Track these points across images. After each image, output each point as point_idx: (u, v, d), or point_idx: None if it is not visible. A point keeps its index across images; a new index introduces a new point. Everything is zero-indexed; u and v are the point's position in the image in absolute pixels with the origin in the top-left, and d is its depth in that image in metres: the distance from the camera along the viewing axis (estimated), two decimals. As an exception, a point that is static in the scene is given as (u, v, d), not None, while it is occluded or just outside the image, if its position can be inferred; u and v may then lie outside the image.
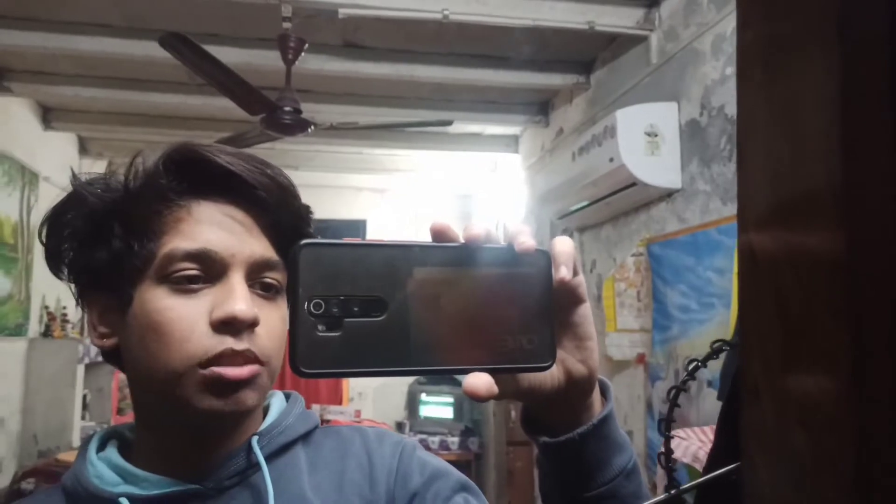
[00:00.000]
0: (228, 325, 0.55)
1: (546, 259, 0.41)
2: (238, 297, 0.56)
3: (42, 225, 0.63)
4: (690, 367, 0.48)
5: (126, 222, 0.59)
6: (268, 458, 0.61)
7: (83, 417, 4.00)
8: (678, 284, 2.39)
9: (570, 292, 0.43)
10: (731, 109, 2.18)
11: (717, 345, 0.49)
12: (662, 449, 0.46)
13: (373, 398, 5.27)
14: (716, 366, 2.12)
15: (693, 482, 0.39)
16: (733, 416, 0.39)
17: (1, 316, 3.44)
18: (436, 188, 5.35)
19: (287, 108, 2.42)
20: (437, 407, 4.88)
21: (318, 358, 0.35)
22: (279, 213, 0.61)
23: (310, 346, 0.35)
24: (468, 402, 4.88)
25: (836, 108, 0.23)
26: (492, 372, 0.38)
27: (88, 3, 2.63)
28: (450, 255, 0.39)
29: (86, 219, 0.60)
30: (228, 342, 0.55)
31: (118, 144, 4.47)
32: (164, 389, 0.56)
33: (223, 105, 3.26)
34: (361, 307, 0.36)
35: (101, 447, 0.63)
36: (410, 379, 5.08)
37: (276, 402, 0.68)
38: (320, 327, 0.35)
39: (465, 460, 4.59)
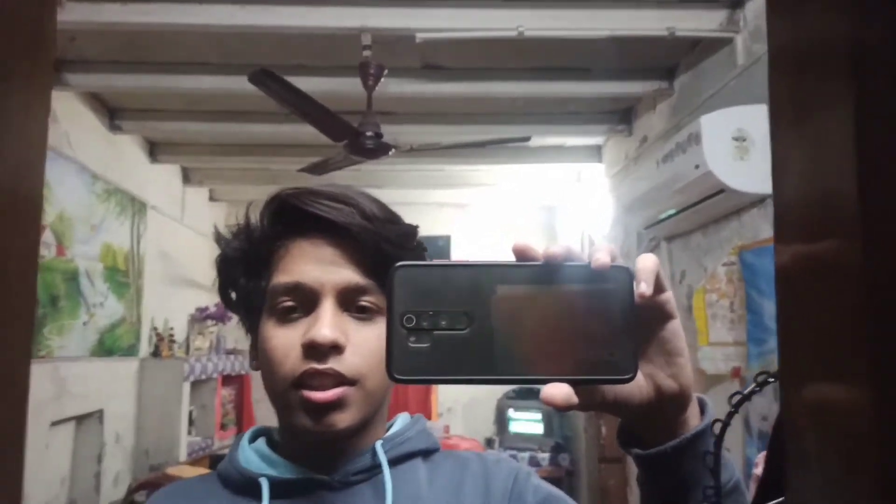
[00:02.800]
0: (312, 349, 0.63)
1: (627, 275, 0.42)
2: (322, 324, 0.63)
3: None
4: (738, 398, 0.48)
5: (247, 266, 0.71)
6: (390, 463, 0.68)
7: (189, 433, 4.23)
8: (774, 294, 2.28)
9: (657, 308, 0.44)
10: (826, 109, 2.07)
11: (761, 378, 0.48)
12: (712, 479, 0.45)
13: (462, 413, 5.29)
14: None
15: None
16: (779, 448, 0.38)
17: (116, 338, 3.71)
18: (519, 201, 5.34)
19: (369, 133, 2.50)
20: (527, 423, 4.84)
21: (410, 366, 0.40)
22: (370, 242, 0.67)
23: (403, 355, 0.40)
24: (558, 418, 4.81)
25: (852, 133, 0.23)
26: (572, 383, 0.40)
27: (189, 43, 2.82)
28: (530, 273, 0.41)
29: (227, 266, 0.72)
30: (312, 364, 0.63)
31: (217, 173, 4.75)
32: (277, 407, 0.68)
33: (311, 132, 3.40)
34: (449, 321, 0.40)
35: (252, 440, 0.74)
36: (499, 394, 5.06)
37: (401, 419, 0.77)
38: (412, 339, 0.40)
39: (555, 477, 4.52)
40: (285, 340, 0.65)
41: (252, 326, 0.72)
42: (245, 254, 0.71)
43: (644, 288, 0.42)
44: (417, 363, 0.40)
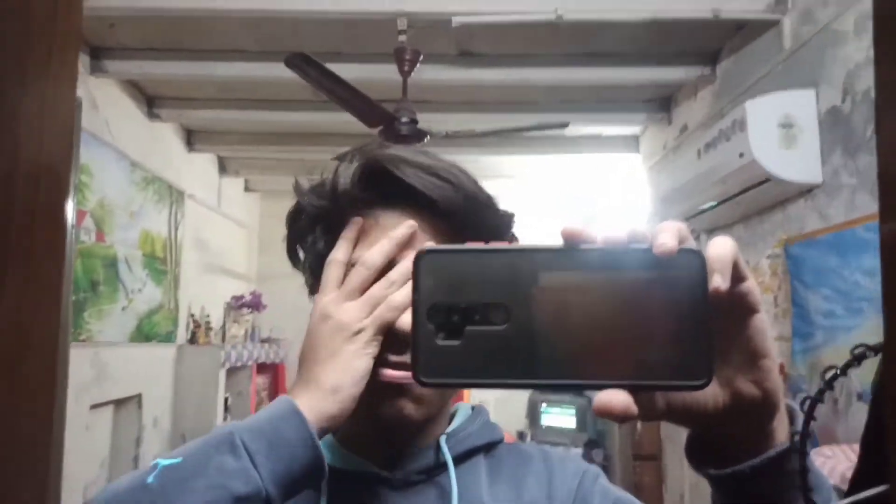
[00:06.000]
0: (393, 340, 0.57)
1: (698, 260, 0.36)
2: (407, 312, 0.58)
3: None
4: (828, 375, 0.41)
5: (328, 228, 0.65)
6: (453, 461, 0.64)
7: (224, 419, 4.28)
8: (821, 288, 2.19)
9: (736, 300, 0.37)
10: (880, 93, 1.97)
11: (858, 350, 0.42)
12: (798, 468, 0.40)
13: (493, 406, 5.25)
14: (867, 375, 1.91)
15: (841, 502, 0.34)
16: (879, 430, 0.33)
17: (154, 324, 3.77)
18: (553, 193, 5.27)
19: (404, 119, 2.48)
20: (560, 417, 4.79)
21: (438, 367, 0.35)
22: (470, 226, 0.62)
23: (430, 354, 0.35)
24: (592, 412, 4.74)
25: None
26: (631, 389, 0.35)
27: (226, 30, 2.83)
28: (580, 258, 0.36)
29: (304, 223, 0.67)
30: (390, 356, 0.58)
31: (252, 162, 4.78)
32: None
33: (346, 119, 3.39)
34: (483, 314, 0.35)
35: None
36: (532, 387, 5.02)
37: (463, 409, 0.71)
38: (441, 335, 0.35)
39: (589, 472, 4.45)
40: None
41: (317, 289, 0.66)
42: (328, 213, 0.65)
43: (719, 281, 0.35)
44: (447, 364, 0.35)
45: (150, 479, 0.50)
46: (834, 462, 1.23)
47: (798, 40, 2.41)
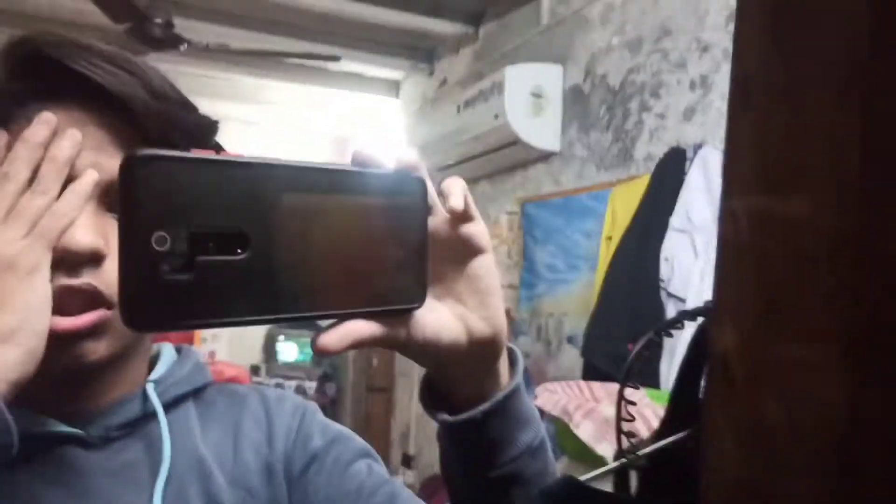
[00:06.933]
0: (62, 259, 0.46)
1: (421, 185, 0.37)
2: (77, 225, 0.46)
3: None
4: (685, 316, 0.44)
5: None
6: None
7: None
8: (548, 245, 2.49)
9: (467, 240, 0.40)
10: (614, 79, 2.27)
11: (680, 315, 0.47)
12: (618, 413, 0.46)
13: (228, 339, 5.08)
14: (577, 322, 2.24)
15: (647, 448, 0.39)
16: (691, 385, 0.39)
17: None
18: (310, 126, 5.15)
19: (158, 20, 2.19)
20: (296, 351, 4.81)
21: (161, 306, 0.29)
22: (155, 126, 0.50)
23: (152, 291, 0.29)
24: (328, 347, 4.85)
25: (851, 75, 0.23)
26: (362, 317, 0.35)
27: None
28: (322, 178, 0.34)
29: None
30: (61, 278, 0.46)
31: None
32: None
33: (76, 7, 2.88)
34: (218, 243, 0.30)
35: None
36: (269, 321, 4.95)
37: (167, 351, 0.62)
38: (165, 268, 0.29)
39: (320, 405, 4.57)
40: None
41: None
42: None
43: (455, 202, 0.37)
44: (172, 302, 0.29)
45: None
46: (557, 397, 1.43)
47: (554, 17, 2.64)
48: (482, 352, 0.41)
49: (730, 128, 0.34)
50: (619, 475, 0.45)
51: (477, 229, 0.40)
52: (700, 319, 0.40)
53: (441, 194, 0.40)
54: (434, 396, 0.44)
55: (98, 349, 0.49)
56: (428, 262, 0.37)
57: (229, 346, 5.03)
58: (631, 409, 0.44)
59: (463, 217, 0.39)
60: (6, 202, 0.45)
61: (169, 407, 0.57)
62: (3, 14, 3.40)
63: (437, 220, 0.40)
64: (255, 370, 4.78)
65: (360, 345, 0.36)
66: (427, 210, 0.37)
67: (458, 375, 0.42)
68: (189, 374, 0.60)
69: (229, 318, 0.31)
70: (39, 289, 0.44)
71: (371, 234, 0.35)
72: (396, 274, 0.36)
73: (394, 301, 0.36)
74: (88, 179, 0.47)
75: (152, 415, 0.55)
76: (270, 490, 0.57)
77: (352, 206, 0.34)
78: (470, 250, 0.40)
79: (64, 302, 0.46)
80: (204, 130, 0.55)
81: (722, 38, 1.83)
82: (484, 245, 0.41)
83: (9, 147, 0.47)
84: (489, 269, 0.41)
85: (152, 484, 0.52)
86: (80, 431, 0.51)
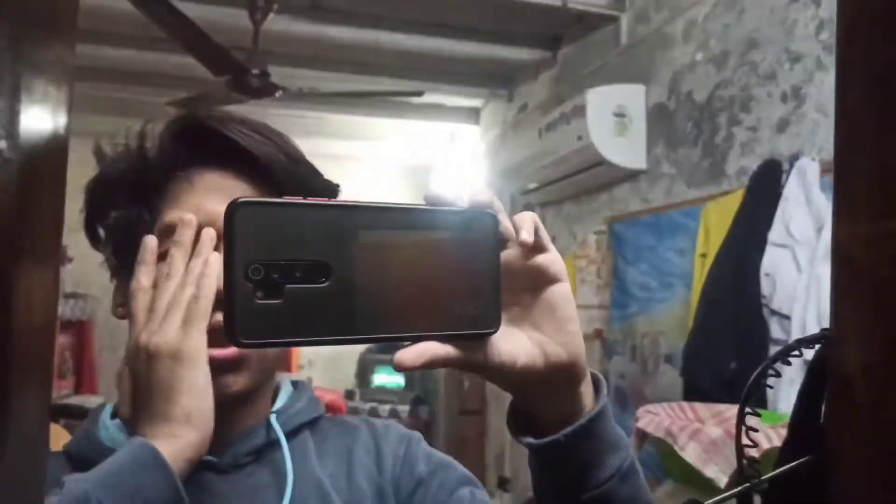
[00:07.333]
0: (217, 301, 0.53)
1: (492, 220, 0.39)
2: None
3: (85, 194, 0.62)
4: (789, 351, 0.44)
5: (134, 192, 0.59)
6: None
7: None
8: (639, 263, 2.47)
9: (540, 270, 0.42)
10: (699, 95, 2.24)
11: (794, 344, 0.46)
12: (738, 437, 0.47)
13: (323, 366, 5.25)
14: (674, 341, 2.21)
15: (770, 473, 0.41)
16: (812, 410, 0.41)
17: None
18: (393, 156, 5.30)
19: (255, 71, 2.35)
20: (389, 376, 4.91)
21: (257, 327, 0.33)
22: (292, 187, 0.59)
23: (249, 314, 0.33)
24: (420, 372, 4.92)
25: None
26: (438, 339, 0.38)
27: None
28: (397, 217, 0.37)
29: (106, 193, 0.60)
30: (216, 316, 0.53)
31: (60, 97, 4.23)
32: None
33: (179, 62, 3.12)
34: (304, 272, 0.34)
35: (115, 414, 0.62)
36: (361, 347, 5.08)
37: (286, 385, 0.69)
38: (259, 294, 0.33)
39: (414, 428, 4.64)
40: None
41: (123, 266, 0.60)
42: (133, 178, 0.59)
43: (525, 236, 0.40)
44: (266, 323, 0.34)
45: None
46: (659, 419, 1.42)
47: (633, 37, 2.65)
48: (560, 376, 0.43)
49: (839, 158, 0.37)
50: (742, 499, 0.47)
51: (549, 259, 0.42)
52: (817, 346, 0.42)
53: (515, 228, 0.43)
54: (521, 421, 0.46)
55: (238, 381, 0.57)
56: (501, 290, 0.40)
57: (324, 372, 5.20)
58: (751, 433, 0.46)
59: (535, 248, 0.41)
60: (167, 297, 0.53)
61: (289, 436, 0.63)
62: (115, 73, 3.73)
63: (513, 252, 0.42)
64: (349, 395, 4.92)
65: (435, 364, 0.38)
66: (498, 243, 0.40)
67: (539, 399, 0.44)
68: (306, 406, 0.66)
69: (314, 337, 0.35)
70: (203, 371, 0.52)
71: (444, 266, 0.38)
72: (470, 302, 0.38)
73: (468, 326, 0.38)
74: (214, 261, 0.54)
75: (275, 443, 0.61)
76: None
77: (425, 240, 0.37)
78: (544, 279, 0.42)
79: (212, 338, 0.53)
80: (328, 191, 0.64)
81: (813, 47, 1.79)
82: (557, 274, 0.42)
83: (197, 233, 0.56)
84: (564, 297, 0.43)
85: None
86: (213, 458, 0.57)
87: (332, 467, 0.63)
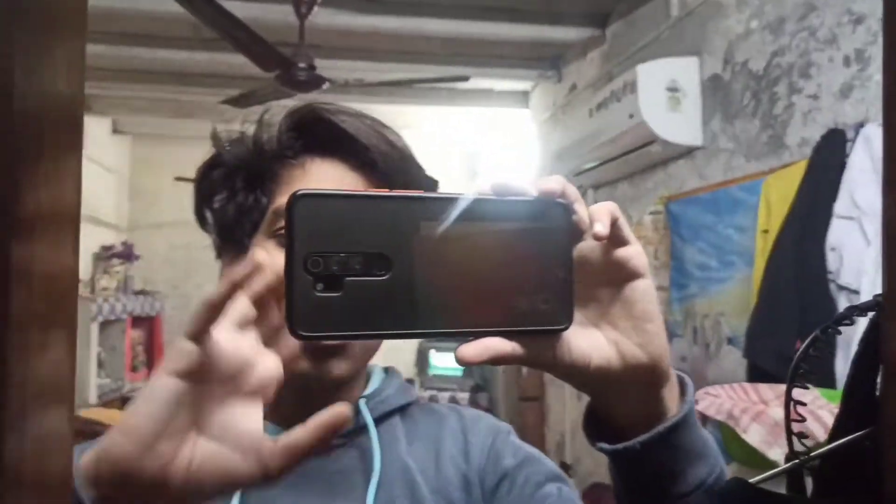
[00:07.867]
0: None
1: (564, 211, 0.37)
2: None
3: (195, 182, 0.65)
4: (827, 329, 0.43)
5: (249, 178, 0.62)
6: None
7: (98, 375, 4.04)
8: (697, 242, 2.39)
9: (619, 264, 0.39)
10: (756, 64, 2.15)
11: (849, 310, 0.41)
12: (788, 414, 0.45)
13: (382, 354, 5.31)
14: (736, 322, 2.13)
15: (821, 449, 0.39)
16: (866, 382, 0.38)
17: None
18: (443, 143, 5.30)
19: (302, 65, 2.38)
20: (447, 363, 4.94)
21: (317, 319, 0.33)
22: (399, 179, 0.61)
23: (308, 306, 0.33)
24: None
25: None
26: (503, 335, 0.36)
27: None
28: (459, 207, 0.36)
29: (221, 175, 0.63)
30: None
31: (121, 102, 4.40)
32: None
33: (228, 61, 3.19)
34: (363, 265, 0.34)
35: None
36: (419, 336, 5.11)
37: (377, 371, 0.71)
38: (319, 286, 0.33)
39: (474, 415, 4.66)
40: None
41: (230, 249, 0.62)
42: (248, 164, 0.62)
43: (599, 228, 0.37)
44: (326, 316, 0.33)
45: None
46: (721, 401, 1.37)
47: (684, 9, 2.55)
48: (638, 378, 0.39)
49: (888, 115, 0.34)
50: (793, 476, 0.44)
51: (629, 253, 0.39)
52: (871, 314, 0.39)
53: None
54: (597, 423, 0.44)
55: (340, 367, 0.59)
56: (573, 285, 0.37)
57: (384, 361, 5.26)
58: (805, 410, 0.43)
59: (615, 241, 0.39)
60: (240, 317, 0.53)
61: (378, 421, 0.64)
62: (170, 74, 3.84)
63: (590, 245, 0.39)
64: (409, 383, 4.96)
65: (499, 360, 0.36)
66: (572, 234, 0.37)
67: (616, 402, 0.41)
68: (396, 392, 0.68)
69: (373, 330, 0.35)
70: (162, 379, 0.46)
71: (510, 259, 0.36)
72: (539, 297, 0.36)
73: (537, 322, 0.36)
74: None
75: (364, 427, 0.63)
76: (469, 502, 0.62)
77: (490, 231, 0.36)
78: (624, 274, 0.39)
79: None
80: (429, 187, 0.65)
81: (876, 6, 1.68)
82: (638, 269, 0.39)
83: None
84: (645, 294, 0.39)
85: (365, 489, 0.59)
86: None
87: (420, 454, 0.64)
